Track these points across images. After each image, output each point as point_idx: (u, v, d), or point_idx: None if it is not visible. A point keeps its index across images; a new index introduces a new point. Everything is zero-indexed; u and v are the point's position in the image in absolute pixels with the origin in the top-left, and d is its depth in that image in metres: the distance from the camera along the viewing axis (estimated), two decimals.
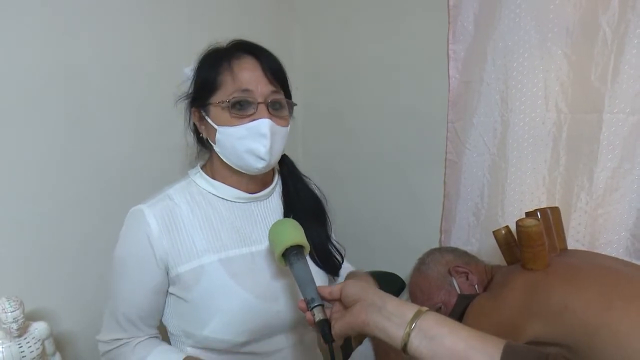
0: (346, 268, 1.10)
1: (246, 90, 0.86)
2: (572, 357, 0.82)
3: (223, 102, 0.87)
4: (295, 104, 0.94)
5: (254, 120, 0.86)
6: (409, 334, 0.62)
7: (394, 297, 0.68)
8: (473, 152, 1.45)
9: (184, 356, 0.88)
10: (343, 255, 1.06)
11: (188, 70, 0.96)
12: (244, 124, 0.86)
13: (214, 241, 0.90)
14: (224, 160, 0.91)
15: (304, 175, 1.06)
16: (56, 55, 1.06)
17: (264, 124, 0.86)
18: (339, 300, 0.73)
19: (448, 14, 1.43)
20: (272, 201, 1.00)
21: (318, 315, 0.71)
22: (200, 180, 0.95)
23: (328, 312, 0.73)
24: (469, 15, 1.40)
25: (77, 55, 1.09)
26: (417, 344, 0.62)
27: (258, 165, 0.88)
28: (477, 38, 1.39)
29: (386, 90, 1.62)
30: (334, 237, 1.07)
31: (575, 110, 1.28)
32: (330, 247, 1.02)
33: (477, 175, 1.46)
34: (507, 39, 1.32)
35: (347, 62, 1.69)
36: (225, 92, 0.87)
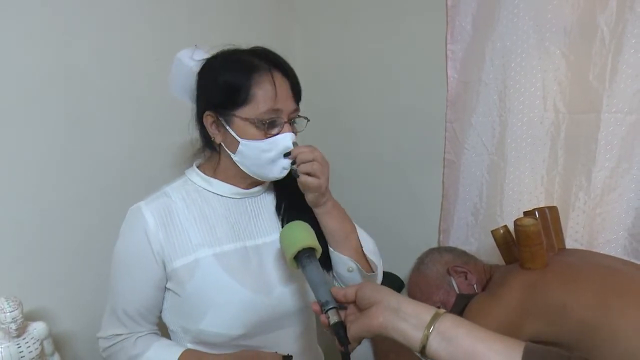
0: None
1: (277, 110, 0.87)
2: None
3: (254, 119, 0.86)
4: (309, 120, 0.96)
5: (277, 134, 0.88)
6: (427, 336, 0.62)
7: (410, 299, 0.68)
8: (471, 152, 1.46)
9: (183, 349, 0.90)
10: None
11: (187, 59, 0.94)
12: (270, 138, 0.88)
13: (208, 236, 0.92)
14: (242, 168, 0.91)
15: (294, 168, 1.06)
16: (56, 55, 1.06)
17: (288, 139, 0.88)
18: (354, 302, 0.72)
19: (446, 14, 1.44)
20: (265, 196, 1.02)
21: (333, 318, 0.71)
22: (196, 177, 0.97)
23: (342, 314, 0.72)
24: (467, 15, 1.40)
25: (77, 55, 1.09)
26: (435, 346, 0.62)
27: (280, 175, 0.91)
28: (476, 38, 1.40)
29: (385, 90, 1.63)
30: None
31: (573, 110, 1.29)
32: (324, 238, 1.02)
33: (476, 175, 1.46)
34: (505, 39, 1.33)
35: (346, 62, 1.69)
36: (256, 108, 0.86)
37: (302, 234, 0.81)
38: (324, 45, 1.74)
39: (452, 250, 1.42)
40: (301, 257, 0.78)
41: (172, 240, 0.90)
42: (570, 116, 1.30)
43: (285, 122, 0.89)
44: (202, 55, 0.94)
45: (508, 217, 1.38)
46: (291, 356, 0.90)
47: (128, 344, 0.92)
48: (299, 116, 0.94)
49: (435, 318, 0.63)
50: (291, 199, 1.00)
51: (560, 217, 1.29)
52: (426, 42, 1.50)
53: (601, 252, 1.27)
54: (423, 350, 0.63)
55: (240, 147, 0.88)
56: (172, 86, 0.98)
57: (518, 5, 1.29)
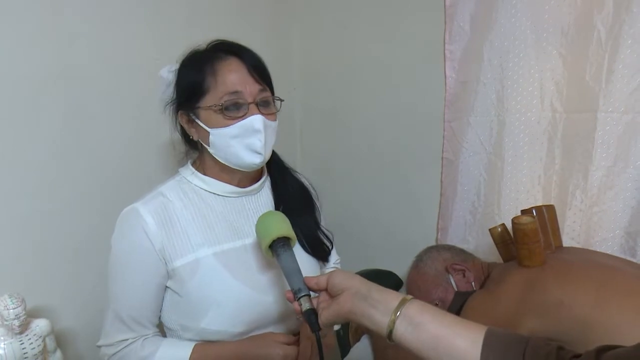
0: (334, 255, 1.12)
1: (235, 92, 0.88)
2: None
3: (214, 105, 0.88)
4: (282, 100, 0.96)
5: (245, 118, 0.88)
6: (394, 322, 0.64)
7: (378, 286, 0.70)
8: (470, 151, 1.47)
9: (193, 344, 0.90)
10: (332, 241, 1.08)
11: (165, 73, 0.97)
12: (237, 122, 0.88)
13: (208, 235, 0.92)
14: (219, 160, 0.93)
15: (290, 167, 1.09)
16: (56, 55, 1.06)
17: (257, 120, 0.88)
18: (326, 290, 0.75)
19: (444, 13, 1.44)
20: (262, 195, 1.03)
21: (305, 305, 0.74)
22: (192, 176, 0.97)
23: (315, 301, 0.75)
24: (465, 15, 1.41)
25: (77, 55, 1.10)
26: (402, 330, 0.64)
27: (256, 160, 0.91)
28: (474, 38, 1.41)
29: (384, 90, 1.63)
30: (323, 224, 1.09)
31: (570, 109, 1.30)
32: (319, 235, 1.05)
33: (474, 174, 1.47)
34: (503, 39, 1.34)
35: (345, 61, 1.70)
36: (215, 96, 0.88)
37: (278, 224, 0.83)
38: (323, 45, 1.75)
39: (451, 249, 1.43)
40: (276, 246, 0.80)
41: (172, 240, 0.90)
42: (567, 116, 1.31)
43: (250, 103, 0.89)
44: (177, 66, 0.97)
45: (506, 216, 1.38)
46: (299, 333, 0.94)
47: (136, 346, 0.91)
48: (275, 98, 0.94)
49: (402, 304, 0.65)
50: (287, 197, 1.02)
51: (558, 215, 1.30)
52: (424, 42, 1.50)
53: (598, 250, 1.28)
54: (390, 335, 0.65)
55: (210, 137, 0.90)
56: (163, 102, 1.00)
57: (516, 5, 1.30)
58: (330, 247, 1.07)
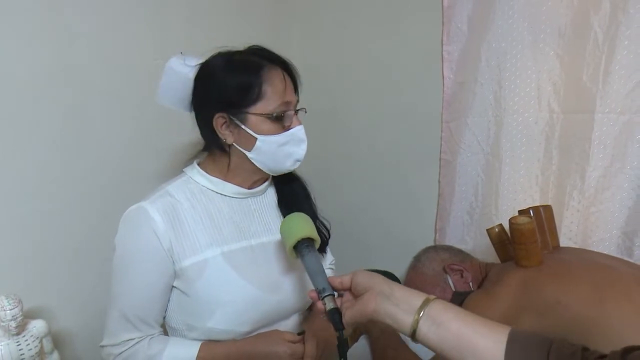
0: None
1: (287, 103, 0.92)
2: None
3: (268, 114, 0.89)
4: (306, 111, 1.00)
5: (290, 127, 0.92)
6: (417, 321, 0.65)
7: (402, 286, 0.71)
8: (467, 151, 1.47)
9: (200, 343, 0.90)
10: (329, 229, 1.09)
11: (180, 66, 0.93)
12: (285, 131, 0.92)
13: (215, 235, 0.93)
14: (257, 165, 0.93)
15: None
16: (56, 55, 1.07)
17: (301, 130, 0.94)
18: (349, 289, 0.75)
19: (442, 14, 1.45)
20: (267, 195, 1.04)
21: (329, 305, 0.74)
22: (198, 177, 0.97)
23: (338, 301, 0.75)
24: (462, 16, 1.42)
25: (77, 55, 1.10)
26: (425, 330, 0.64)
27: (293, 167, 0.96)
28: (471, 39, 1.41)
29: (382, 91, 1.64)
30: (320, 214, 1.10)
31: (567, 110, 1.30)
32: (318, 224, 1.05)
33: (472, 175, 1.48)
34: (500, 40, 1.34)
35: (344, 62, 1.71)
36: (269, 104, 0.90)
37: (302, 225, 0.84)
38: (322, 46, 1.75)
39: (449, 249, 1.43)
40: (300, 246, 0.81)
41: (181, 240, 0.90)
42: (564, 116, 1.31)
43: (295, 114, 0.93)
44: (194, 60, 0.94)
45: (503, 216, 1.39)
46: (304, 331, 0.95)
47: (143, 345, 0.90)
48: (301, 109, 0.98)
49: (425, 303, 0.66)
50: (292, 194, 1.03)
51: (555, 216, 1.30)
52: (422, 42, 1.51)
53: (595, 250, 1.28)
54: (414, 334, 0.65)
55: (257, 143, 0.90)
56: (164, 96, 0.97)
57: (513, 6, 1.31)
58: (327, 237, 1.08)
